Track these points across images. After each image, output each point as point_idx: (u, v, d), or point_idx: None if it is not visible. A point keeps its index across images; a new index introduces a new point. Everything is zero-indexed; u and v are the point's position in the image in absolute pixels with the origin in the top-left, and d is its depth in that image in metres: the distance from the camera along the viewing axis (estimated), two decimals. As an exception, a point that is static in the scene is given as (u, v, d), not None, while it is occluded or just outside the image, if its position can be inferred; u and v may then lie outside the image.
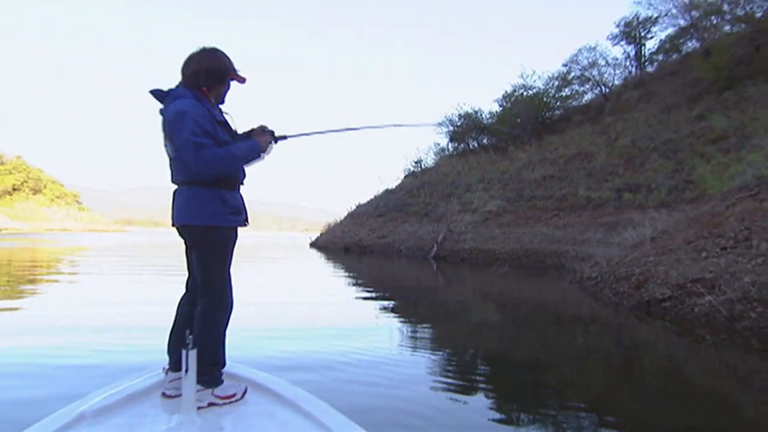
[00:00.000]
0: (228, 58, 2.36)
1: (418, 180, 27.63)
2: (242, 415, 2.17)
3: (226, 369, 2.41)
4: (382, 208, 26.91)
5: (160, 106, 2.29)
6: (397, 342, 5.28)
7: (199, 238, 2.26)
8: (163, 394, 2.29)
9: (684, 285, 6.07)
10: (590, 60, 24.94)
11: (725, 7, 20.88)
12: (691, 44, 23.08)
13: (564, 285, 10.27)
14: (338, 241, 26.77)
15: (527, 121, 25.17)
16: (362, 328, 6.10)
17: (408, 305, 8.50)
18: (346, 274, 14.15)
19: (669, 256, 7.25)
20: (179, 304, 2.48)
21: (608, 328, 6.44)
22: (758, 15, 20.02)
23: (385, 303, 8.73)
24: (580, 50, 25.26)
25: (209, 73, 2.28)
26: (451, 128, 29.97)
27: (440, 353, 5.00)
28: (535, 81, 26.41)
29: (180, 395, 2.06)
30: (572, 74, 25.80)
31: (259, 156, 2.40)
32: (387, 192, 28.75)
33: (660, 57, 25.00)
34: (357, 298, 9.12)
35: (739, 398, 3.74)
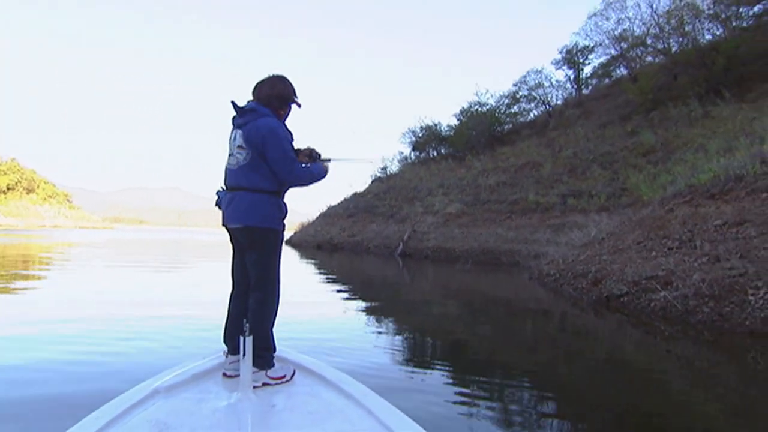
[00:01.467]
0: (292, 85, 2.48)
1: (384, 185, 27.65)
2: (291, 394, 2.24)
3: (276, 353, 2.48)
4: (351, 210, 26.78)
5: (235, 116, 2.36)
6: (363, 329, 5.44)
7: (259, 239, 2.32)
8: (224, 374, 2.39)
9: (639, 282, 6.25)
10: (536, 81, 25.62)
11: (648, 41, 21.78)
12: (621, 71, 23.96)
13: (523, 281, 10.44)
14: (311, 239, 26.50)
15: (481, 134, 25.59)
16: (333, 317, 6.14)
17: (375, 297, 8.50)
18: (320, 269, 14.07)
19: (621, 255, 7.48)
20: (231, 298, 2.53)
21: (563, 319, 6.53)
22: (674, 49, 20.98)
23: (354, 294, 8.74)
24: (528, 72, 25.91)
25: (280, 98, 2.40)
26: (413, 138, 30.28)
27: (402, 338, 5.19)
28: (488, 99, 26.93)
29: (238, 375, 2.14)
30: (521, 93, 26.38)
31: (323, 178, 2.53)
32: (356, 195, 28.65)
33: (594, 81, 25.88)
34: (331, 290, 9.04)
35: (676, 382, 3.84)
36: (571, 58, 24.44)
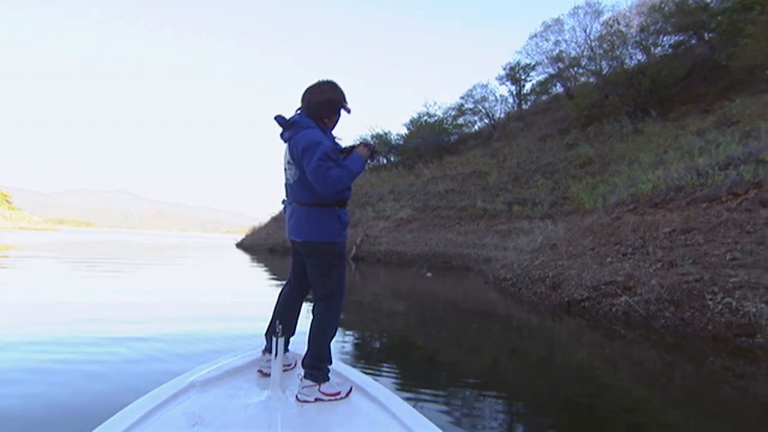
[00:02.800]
0: (342, 90, 2.32)
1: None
2: (333, 410, 2.07)
3: (332, 367, 2.29)
4: (305, 213, 25.96)
5: (282, 131, 2.25)
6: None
7: (319, 252, 2.22)
8: (260, 371, 2.37)
9: (599, 287, 6.11)
10: (482, 95, 25.90)
11: (583, 62, 22.58)
12: (558, 88, 24.68)
13: (479, 285, 10.19)
14: (264, 243, 25.48)
15: (430, 143, 25.55)
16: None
17: None
18: (273, 273, 13.38)
19: (576, 260, 7.37)
20: (280, 297, 2.49)
21: (521, 323, 6.24)
22: (605, 71, 21.83)
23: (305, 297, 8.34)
24: (474, 86, 26.17)
25: (330, 104, 2.26)
26: (365, 146, 29.81)
27: (350, 338, 4.98)
28: (436, 110, 27.01)
29: (270, 375, 2.13)
30: (467, 106, 26.63)
31: (364, 165, 2.31)
32: (309, 200, 27.88)
33: (534, 97, 26.54)
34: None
35: (625, 381, 3.79)
36: (514, 74, 24.94)
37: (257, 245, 26.11)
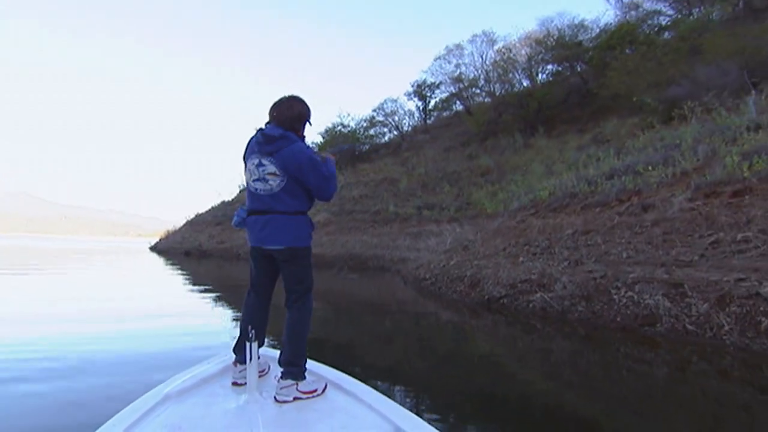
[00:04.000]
0: (308, 105, 2.31)
1: (251, 195, 25.65)
2: (311, 407, 2.00)
3: (308, 366, 2.23)
4: (220, 217, 24.19)
5: (261, 143, 2.15)
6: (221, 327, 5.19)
7: (299, 256, 2.22)
8: (234, 383, 2.21)
9: (515, 284, 6.17)
10: (392, 109, 26.22)
11: (480, 83, 23.77)
12: (458, 106, 25.70)
13: (398, 285, 9.99)
14: (179, 246, 23.38)
15: (344, 151, 25.23)
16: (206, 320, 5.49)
17: (239, 299, 7.65)
18: (189, 275, 12.20)
19: (490, 260, 7.45)
20: (246, 306, 2.36)
21: (440, 320, 6.16)
22: (499, 92, 23.18)
23: (219, 297, 7.94)
24: (385, 101, 26.41)
25: (300, 117, 2.24)
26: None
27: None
28: (349, 121, 26.76)
29: (246, 383, 2.06)
30: (378, 118, 26.75)
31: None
32: (224, 203, 26.13)
33: (437, 113, 27.39)
34: (199, 296, 7.96)
35: (528, 368, 3.89)
36: (420, 91, 25.52)
37: (172, 249, 24.03)
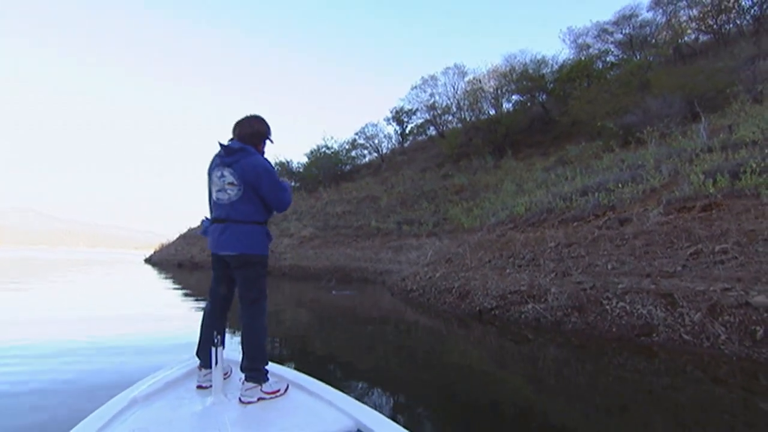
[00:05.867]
0: (268, 123, 2.29)
1: (239, 211, 24.75)
2: (275, 406, 1.91)
3: (270, 368, 2.13)
4: (209, 232, 23.26)
5: (221, 155, 2.13)
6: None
7: (253, 263, 2.14)
8: (199, 386, 2.11)
9: (505, 296, 5.78)
10: (372, 132, 25.98)
11: (452, 110, 23.89)
12: (432, 131, 25.73)
13: (386, 297, 9.45)
14: (172, 258, 22.23)
15: (327, 171, 24.79)
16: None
17: (232, 309, 7.04)
18: (179, 285, 11.38)
19: (476, 272, 7.08)
20: (206, 316, 2.27)
21: (431, 332, 5.65)
22: (468, 119, 23.32)
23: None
24: (366, 125, 26.17)
25: (258, 134, 2.22)
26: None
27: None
28: (333, 143, 26.38)
29: (212, 386, 1.94)
30: (359, 141, 26.47)
31: None
32: (213, 218, 25.17)
33: (412, 137, 27.34)
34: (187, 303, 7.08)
35: (514, 376, 3.63)
36: (399, 117, 25.43)
37: (166, 261, 22.88)
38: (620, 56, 20.50)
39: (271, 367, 2.20)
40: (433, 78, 23.96)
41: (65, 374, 3.20)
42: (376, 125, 26.12)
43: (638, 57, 18.78)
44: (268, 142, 2.32)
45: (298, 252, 17.50)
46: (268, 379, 2.07)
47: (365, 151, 27.20)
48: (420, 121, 25.69)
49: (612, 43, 21.52)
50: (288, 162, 27.51)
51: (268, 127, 2.29)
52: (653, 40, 20.42)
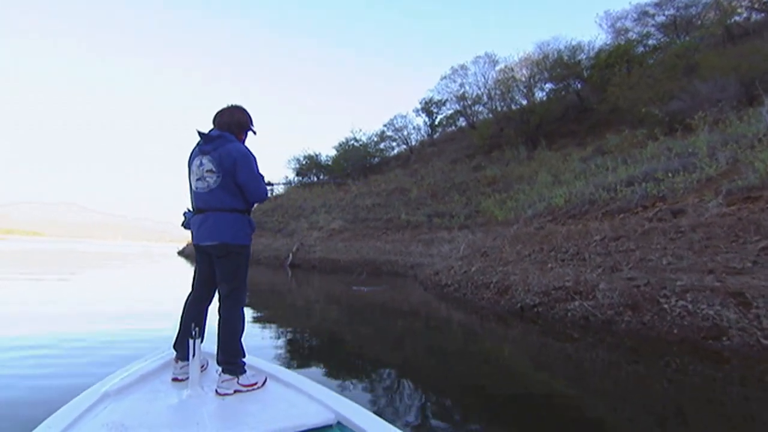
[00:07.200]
0: (249, 114, 2.21)
1: (271, 203, 24.92)
2: (253, 399, 1.84)
3: (247, 361, 2.05)
4: (241, 225, 23.65)
5: (200, 143, 2.06)
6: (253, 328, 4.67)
7: (232, 253, 2.04)
8: (175, 379, 2.03)
9: (548, 292, 5.40)
10: (401, 124, 25.58)
11: (484, 98, 23.13)
12: (462, 122, 25.07)
13: (418, 291, 9.12)
14: (202, 251, 22.83)
15: (356, 164, 24.66)
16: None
17: (263, 302, 7.18)
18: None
19: (515, 266, 6.70)
20: (186, 306, 2.17)
21: (468, 329, 5.29)
22: (500, 109, 22.53)
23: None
24: (395, 117, 25.78)
25: (239, 125, 2.15)
26: (297, 165, 28.24)
27: (283, 334, 4.55)
28: (361, 136, 26.18)
29: (188, 378, 1.87)
30: (387, 133, 26.15)
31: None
32: (245, 212, 25.59)
33: (441, 129, 26.75)
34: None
35: (555, 377, 3.32)
36: (428, 107, 24.89)
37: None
38: (662, 39, 19.20)
39: (250, 359, 2.15)
40: (463, 68, 23.24)
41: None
42: (405, 117, 25.71)
43: (683, 39, 17.50)
44: (250, 133, 2.27)
45: (327, 245, 17.48)
46: (245, 371, 2.01)
47: (394, 143, 26.84)
48: (450, 111, 25.05)
49: (653, 26, 20.14)
50: (316, 155, 27.55)
51: (249, 118, 2.22)
52: (699, 21, 18.98)
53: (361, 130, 27.60)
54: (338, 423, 1.61)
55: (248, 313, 6.00)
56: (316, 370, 3.30)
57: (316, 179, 27.84)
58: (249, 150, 2.09)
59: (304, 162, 27.79)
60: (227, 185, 2.01)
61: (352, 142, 25.75)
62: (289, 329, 4.98)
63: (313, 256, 17.16)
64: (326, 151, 28.09)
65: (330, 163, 26.78)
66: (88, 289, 8.22)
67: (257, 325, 5.06)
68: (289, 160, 28.09)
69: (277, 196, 26.62)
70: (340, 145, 26.23)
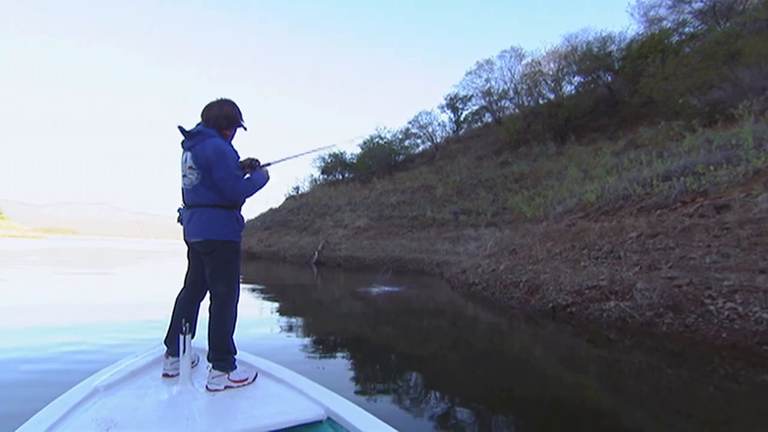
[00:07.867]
0: (239, 108, 2.17)
1: (297, 202, 25.25)
2: (244, 394, 1.84)
3: (237, 357, 2.03)
4: (268, 223, 23.94)
5: (184, 139, 2.03)
6: (275, 325, 4.75)
7: (218, 250, 1.99)
8: (165, 375, 2.02)
9: (582, 291, 5.17)
10: (426, 121, 25.35)
11: (510, 93, 22.59)
12: (487, 117, 24.59)
13: (445, 290, 8.90)
14: (230, 249, 23.36)
15: (381, 161, 24.59)
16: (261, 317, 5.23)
17: (290, 299, 7.28)
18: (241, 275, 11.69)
19: (545, 265, 6.46)
20: (177, 302, 2.16)
21: (502, 329, 5.06)
22: (527, 104, 21.94)
23: (271, 296, 7.34)
24: (420, 113, 25.58)
25: (227, 119, 2.10)
26: (322, 164, 28.47)
27: (309, 334, 4.50)
28: (386, 134, 26.07)
29: (179, 374, 1.88)
30: (412, 130, 25.95)
31: (266, 183, 2.16)
32: (272, 210, 25.86)
33: (466, 125, 26.33)
34: (251, 292, 7.30)
35: (584, 382, 3.14)
36: (453, 104, 24.55)
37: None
38: (700, 27, 18.17)
39: (240, 355, 2.14)
40: (489, 62, 22.76)
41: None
42: (429, 113, 25.46)
43: (723, 26, 16.50)
44: (240, 129, 2.21)
45: (352, 243, 17.49)
46: (235, 367, 1.99)
47: (418, 140, 26.63)
48: (475, 107, 24.62)
49: (689, 12, 19.09)
50: (341, 153, 27.67)
51: (238, 112, 2.16)
52: (741, 6, 17.85)
53: (385, 128, 27.45)
54: (328, 419, 1.61)
55: (274, 306, 6.05)
56: (335, 369, 3.25)
57: (341, 177, 27.97)
58: (227, 146, 2.03)
59: (329, 160, 27.97)
60: (207, 182, 1.99)
61: (377, 139, 25.70)
62: (313, 326, 4.98)
63: (338, 254, 17.22)
64: (351, 149, 28.12)
65: (355, 161, 26.82)
66: (130, 283, 8.51)
67: (284, 318, 5.10)
68: (314, 159, 28.32)
69: (303, 195, 26.91)
70: (365, 143, 26.25)
